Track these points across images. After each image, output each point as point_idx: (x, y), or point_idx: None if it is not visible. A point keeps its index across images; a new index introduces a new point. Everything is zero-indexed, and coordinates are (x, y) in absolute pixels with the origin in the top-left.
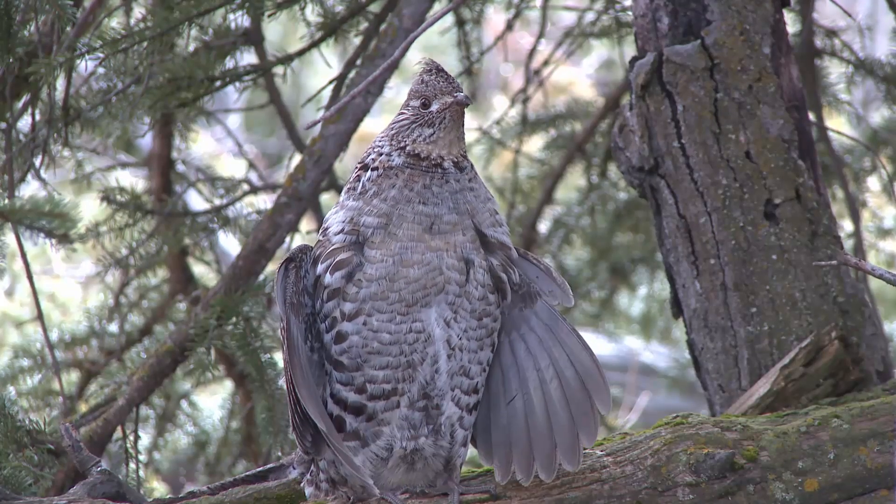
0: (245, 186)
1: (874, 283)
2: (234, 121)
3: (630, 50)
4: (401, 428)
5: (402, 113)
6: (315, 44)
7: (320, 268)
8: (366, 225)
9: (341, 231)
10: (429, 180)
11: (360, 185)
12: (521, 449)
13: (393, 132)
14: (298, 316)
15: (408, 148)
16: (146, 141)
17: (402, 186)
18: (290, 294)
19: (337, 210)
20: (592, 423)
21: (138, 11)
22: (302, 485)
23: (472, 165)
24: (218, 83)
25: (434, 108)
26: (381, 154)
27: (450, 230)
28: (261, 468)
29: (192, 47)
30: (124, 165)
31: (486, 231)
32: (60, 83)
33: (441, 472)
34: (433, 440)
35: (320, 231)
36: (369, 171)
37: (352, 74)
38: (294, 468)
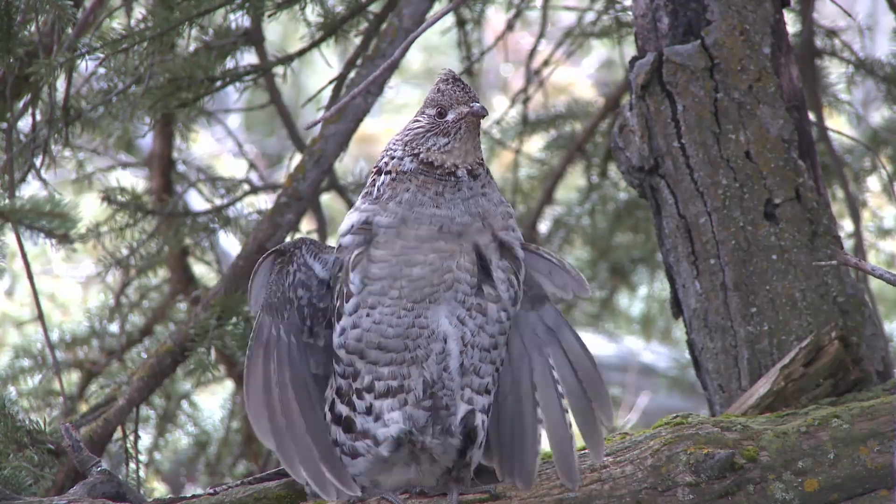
0: (245, 186)
1: (874, 283)
2: (234, 121)
3: (630, 50)
4: (407, 427)
5: (417, 120)
6: (315, 44)
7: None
8: (378, 224)
9: (349, 231)
10: (441, 188)
11: (376, 189)
12: (511, 452)
13: (407, 138)
14: (279, 316)
15: (421, 156)
16: (146, 141)
17: (415, 191)
18: (269, 291)
19: (352, 212)
20: (597, 435)
21: (138, 11)
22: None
23: (487, 171)
24: (218, 83)
25: (450, 117)
26: (393, 158)
27: (462, 230)
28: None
29: (192, 47)
30: (125, 165)
31: (499, 233)
32: (61, 83)
33: (448, 471)
34: (441, 440)
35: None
36: (383, 174)
37: (352, 74)
38: None
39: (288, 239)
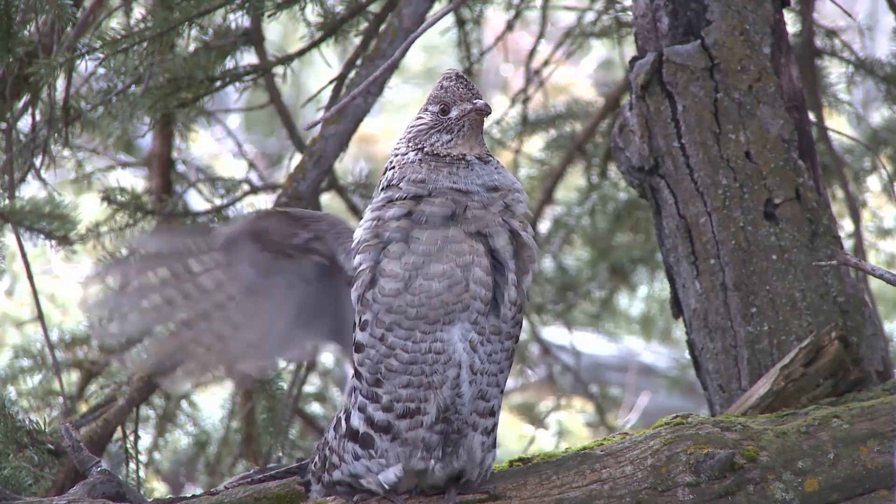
0: (245, 186)
1: (874, 283)
2: (234, 121)
3: (630, 50)
4: (418, 448)
5: (421, 118)
6: (315, 44)
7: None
8: (393, 217)
9: (366, 227)
10: (455, 168)
11: (380, 185)
12: None
13: (411, 135)
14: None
15: (426, 149)
16: (146, 141)
17: (428, 171)
18: (264, 229)
19: (366, 212)
20: None
21: (138, 11)
22: (307, 478)
23: (497, 161)
24: (218, 83)
25: (453, 114)
26: (397, 155)
27: (480, 208)
28: (291, 466)
29: (192, 47)
30: (124, 165)
31: (516, 228)
32: (60, 83)
33: (449, 483)
34: (447, 463)
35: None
36: (388, 171)
37: (352, 75)
38: (308, 470)
39: None
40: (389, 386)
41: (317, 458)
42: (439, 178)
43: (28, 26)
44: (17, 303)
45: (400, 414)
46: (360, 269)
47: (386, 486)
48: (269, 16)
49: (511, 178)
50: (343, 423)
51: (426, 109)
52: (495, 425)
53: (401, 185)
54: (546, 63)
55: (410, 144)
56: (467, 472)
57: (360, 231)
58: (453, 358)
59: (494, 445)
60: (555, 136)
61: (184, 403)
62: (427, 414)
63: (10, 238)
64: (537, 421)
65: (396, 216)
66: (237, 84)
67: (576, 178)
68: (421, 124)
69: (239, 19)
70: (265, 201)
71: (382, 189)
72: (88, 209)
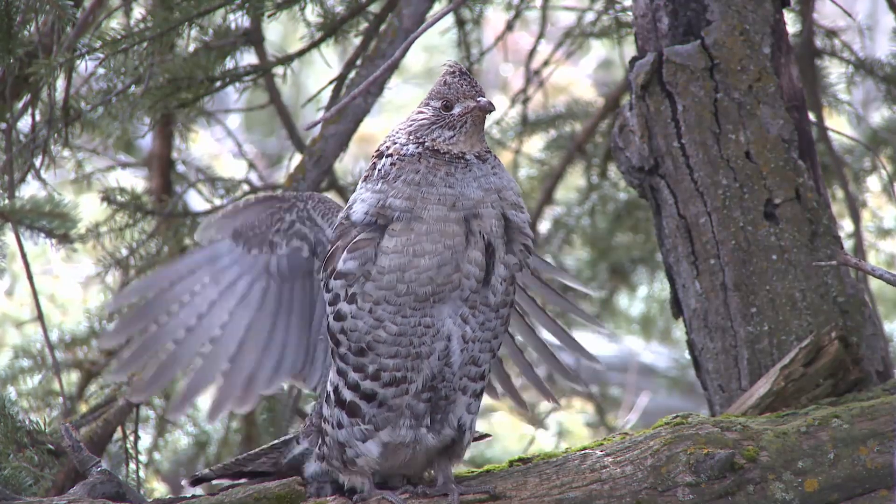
0: (245, 186)
1: (874, 283)
2: (234, 121)
3: (630, 50)
4: (406, 416)
5: (422, 112)
6: (315, 44)
7: (338, 251)
8: (392, 207)
9: (365, 214)
10: (453, 168)
11: (376, 172)
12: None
13: (411, 129)
14: (249, 247)
15: (427, 144)
16: (146, 141)
17: (425, 172)
18: (244, 224)
19: (361, 192)
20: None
21: (138, 12)
22: (305, 448)
23: (495, 157)
24: (218, 83)
25: (456, 111)
26: (395, 143)
27: (474, 205)
28: (273, 442)
29: (192, 47)
30: (124, 166)
31: (508, 212)
32: (60, 83)
33: (441, 455)
34: (437, 430)
35: (340, 214)
36: (385, 157)
37: (352, 75)
38: (300, 441)
39: None
40: (374, 356)
41: (310, 426)
42: (435, 181)
43: (28, 26)
44: (17, 303)
45: (386, 382)
46: (359, 240)
47: (369, 457)
48: (269, 16)
49: (508, 178)
50: (332, 394)
51: (427, 104)
52: (483, 389)
53: (396, 183)
54: (546, 63)
55: (411, 137)
56: (459, 438)
57: (359, 213)
58: (441, 332)
59: (478, 410)
60: (555, 137)
61: None
62: (413, 382)
63: (10, 238)
64: (537, 421)
65: (399, 208)
66: (237, 84)
67: (576, 178)
68: (423, 118)
69: (239, 19)
70: None
71: (382, 178)
72: (88, 209)
